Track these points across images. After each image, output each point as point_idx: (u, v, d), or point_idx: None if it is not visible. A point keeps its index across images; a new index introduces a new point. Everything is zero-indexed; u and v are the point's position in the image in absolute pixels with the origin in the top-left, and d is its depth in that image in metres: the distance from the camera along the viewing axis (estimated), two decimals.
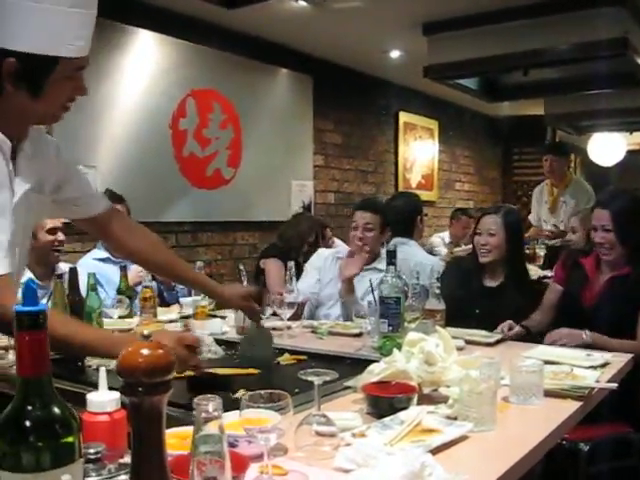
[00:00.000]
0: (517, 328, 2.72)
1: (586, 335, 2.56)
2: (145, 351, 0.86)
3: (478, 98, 6.71)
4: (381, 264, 3.22)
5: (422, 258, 3.62)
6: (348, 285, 3.15)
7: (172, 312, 3.32)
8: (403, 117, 7.75)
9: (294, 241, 4.47)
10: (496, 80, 6.34)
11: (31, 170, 1.64)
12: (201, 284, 2.23)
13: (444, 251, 6.23)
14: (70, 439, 0.80)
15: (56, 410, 0.80)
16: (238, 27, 5.37)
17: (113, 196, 3.83)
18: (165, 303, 3.62)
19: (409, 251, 3.60)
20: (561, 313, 2.92)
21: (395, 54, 6.28)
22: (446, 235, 6.85)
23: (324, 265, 3.45)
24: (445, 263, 3.85)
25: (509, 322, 2.73)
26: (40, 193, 1.69)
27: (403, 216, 3.78)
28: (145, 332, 0.78)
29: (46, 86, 1.49)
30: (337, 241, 5.05)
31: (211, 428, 0.77)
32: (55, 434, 0.79)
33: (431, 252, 5.58)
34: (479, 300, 3.05)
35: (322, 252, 3.65)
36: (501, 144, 10.14)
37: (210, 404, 0.77)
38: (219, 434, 0.77)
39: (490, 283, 3.11)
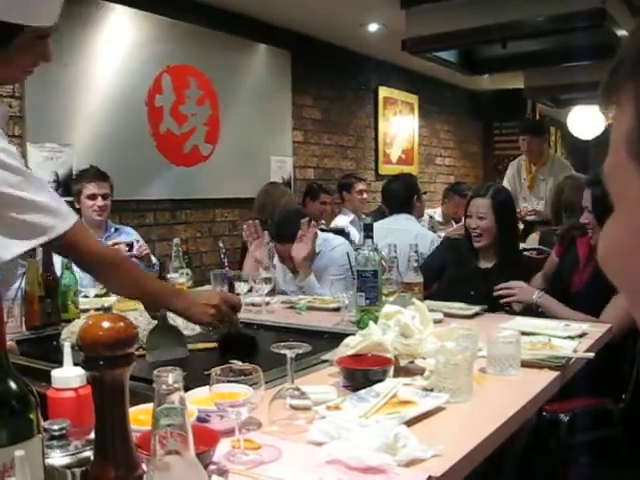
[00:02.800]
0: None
1: (537, 295, 2.57)
2: (106, 324, 0.84)
3: (457, 71, 6.66)
4: None
5: (422, 230, 3.85)
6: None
7: None
8: (383, 92, 7.70)
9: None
10: (475, 53, 6.28)
11: None
12: None
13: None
14: (27, 415, 0.78)
15: (12, 386, 0.78)
16: (214, 2, 5.29)
17: (98, 174, 3.79)
18: None
19: (408, 223, 3.86)
20: (551, 287, 2.90)
21: (373, 27, 6.22)
22: (437, 212, 6.79)
23: None
24: (441, 240, 3.90)
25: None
26: None
27: (399, 198, 4.04)
28: (106, 305, 0.75)
29: (8, 51, 1.46)
30: None
31: (172, 401, 0.75)
32: (11, 410, 0.76)
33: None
34: (474, 281, 3.00)
35: None
36: (481, 118, 10.12)
37: (170, 376, 0.75)
38: (180, 407, 0.75)
39: (484, 264, 3.07)
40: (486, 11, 4.77)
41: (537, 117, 9.71)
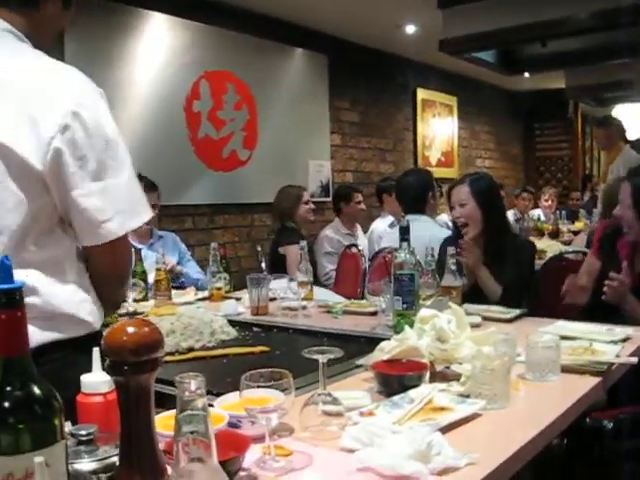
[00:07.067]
0: None
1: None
2: (130, 329, 0.83)
3: (496, 71, 6.59)
4: None
5: (437, 232, 3.58)
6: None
7: (188, 295, 3.30)
8: (421, 94, 7.65)
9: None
10: (514, 52, 6.21)
11: None
12: None
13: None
14: (51, 420, 0.77)
15: (36, 391, 0.77)
16: (251, 7, 5.31)
17: (147, 183, 3.82)
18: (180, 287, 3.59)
19: (422, 227, 3.57)
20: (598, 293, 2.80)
21: (410, 29, 6.19)
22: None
23: None
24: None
25: None
26: None
27: (414, 192, 3.81)
28: (131, 309, 0.75)
29: (39, 9, 1.43)
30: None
31: (194, 407, 0.74)
32: (35, 415, 0.76)
33: None
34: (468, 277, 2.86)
35: None
36: (522, 119, 9.99)
37: (192, 382, 0.74)
38: (203, 413, 0.74)
39: None
40: (525, 9, 4.70)
41: (579, 117, 9.56)
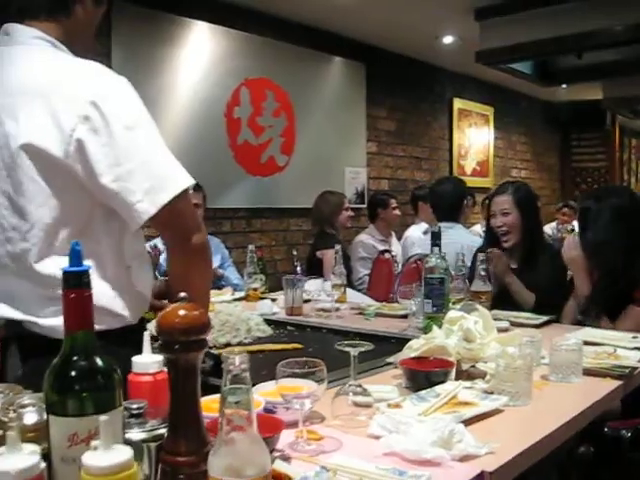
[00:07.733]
0: None
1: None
2: (182, 312, 0.92)
3: (532, 82, 6.62)
4: None
5: (469, 240, 3.66)
6: None
7: (225, 294, 3.40)
8: (457, 103, 7.70)
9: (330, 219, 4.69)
10: (551, 64, 6.23)
11: None
12: None
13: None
14: (111, 389, 0.87)
15: (98, 362, 0.88)
16: (291, 16, 5.43)
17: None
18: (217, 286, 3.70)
19: (455, 234, 3.65)
20: None
21: (448, 40, 6.25)
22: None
23: None
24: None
25: None
26: None
27: (449, 201, 3.86)
28: (181, 295, 0.84)
29: (71, 15, 1.48)
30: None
31: (238, 381, 0.83)
32: (97, 384, 0.86)
33: None
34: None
35: None
36: (559, 130, 9.95)
37: (237, 358, 0.83)
38: (246, 386, 0.83)
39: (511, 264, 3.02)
40: (561, 21, 4.74)
41: (616, 128, 9.50)
